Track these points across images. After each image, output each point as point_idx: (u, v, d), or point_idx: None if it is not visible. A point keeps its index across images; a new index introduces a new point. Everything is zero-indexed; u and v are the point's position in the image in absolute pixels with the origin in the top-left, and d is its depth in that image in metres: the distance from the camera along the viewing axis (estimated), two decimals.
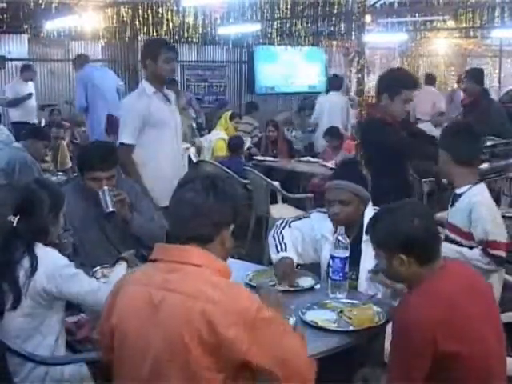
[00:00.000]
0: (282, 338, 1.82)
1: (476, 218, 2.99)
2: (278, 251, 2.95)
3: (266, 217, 5.96)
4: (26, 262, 2.38)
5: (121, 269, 2.75)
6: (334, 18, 10.48)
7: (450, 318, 2.02)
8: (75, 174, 5.26)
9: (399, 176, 3.95)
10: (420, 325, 2.01)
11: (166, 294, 1.79)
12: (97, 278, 2.79)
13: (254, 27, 10.48)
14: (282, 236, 3.01)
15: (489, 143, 5.73)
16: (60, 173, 6.17)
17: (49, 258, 2.42)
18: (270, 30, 10.94)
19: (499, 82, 12.91)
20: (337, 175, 3.03)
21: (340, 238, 2.72)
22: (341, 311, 2.51)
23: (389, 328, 2.30)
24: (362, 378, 2.44)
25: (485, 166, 5.35)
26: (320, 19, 10.77)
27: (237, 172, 6.33)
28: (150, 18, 9.39)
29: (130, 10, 9.14)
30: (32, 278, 2.36)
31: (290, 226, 3.08)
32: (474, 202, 3.01)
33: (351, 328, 2.40)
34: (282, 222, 3.13)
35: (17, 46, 10.52)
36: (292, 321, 2.35)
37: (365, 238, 2.79)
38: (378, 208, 2.58)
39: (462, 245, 3.05)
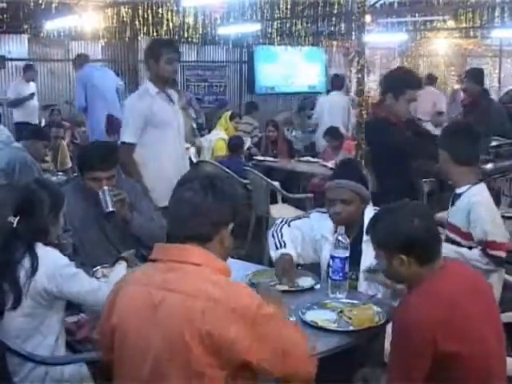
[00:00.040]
0: (281, 329, 1.83)
1: (475, 219, 2.98)
2: (277, 248, 2.95)
3: (266, 217, 5.96)
4: (26, 262, 2.38)
5: (121, 269, 2.75)
6: (334, 18, 10.45)
7: (450, 318, 2.02)
8: (75, 174, 5.25)
9: (403, 176, 3.93)
10: (420, 325, 2.01)
11: (165, 294, 1.79)
12: (97, 278, 2.79)
13: (254, 27, 10.46)
14: (282, 234, 3.01)
15: (494, 143, 5.73)
16: (60, 173, 6.16)
17: (49, 257, 2.43)
18: (269, 30, 10.91)
19: (499, 82, 12.88)
20: (337, 175, 3.03)
21: (340, 237, 2.72)
22: (341, 311, 2.51)
23: (389, 328, 2.30)
24: (362, 378, 2.44)
25: (489, 166, 5.35)
26: (320, 19, 10.75)
27: (237, 172, 6.32)
28: (150, 18, 9.37)
29: (129, 10, 9.11)
30: (32, 278, 2.36)
31: (289, 226, 3.08)
32: (473, 202, 3.01)
33: (351, 328, 2.40)
34: (282, 221, 3.13)
35: (17, 46, 10.50)
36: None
37: (365, 238, 2.79)
38: (378, 208, 2.59)
39: (461, 245, 3.04)
